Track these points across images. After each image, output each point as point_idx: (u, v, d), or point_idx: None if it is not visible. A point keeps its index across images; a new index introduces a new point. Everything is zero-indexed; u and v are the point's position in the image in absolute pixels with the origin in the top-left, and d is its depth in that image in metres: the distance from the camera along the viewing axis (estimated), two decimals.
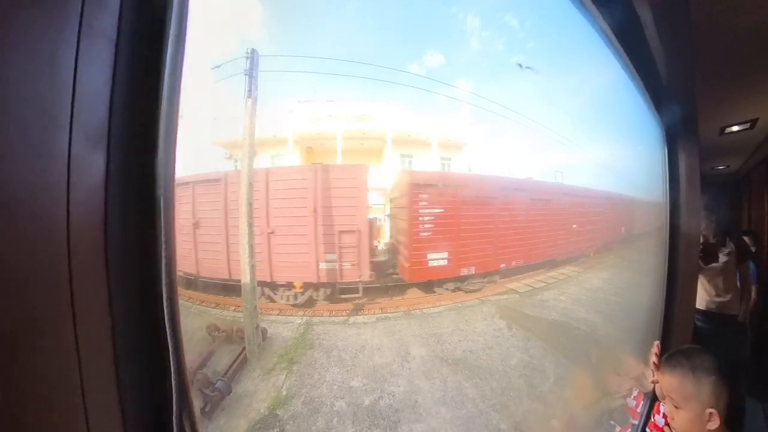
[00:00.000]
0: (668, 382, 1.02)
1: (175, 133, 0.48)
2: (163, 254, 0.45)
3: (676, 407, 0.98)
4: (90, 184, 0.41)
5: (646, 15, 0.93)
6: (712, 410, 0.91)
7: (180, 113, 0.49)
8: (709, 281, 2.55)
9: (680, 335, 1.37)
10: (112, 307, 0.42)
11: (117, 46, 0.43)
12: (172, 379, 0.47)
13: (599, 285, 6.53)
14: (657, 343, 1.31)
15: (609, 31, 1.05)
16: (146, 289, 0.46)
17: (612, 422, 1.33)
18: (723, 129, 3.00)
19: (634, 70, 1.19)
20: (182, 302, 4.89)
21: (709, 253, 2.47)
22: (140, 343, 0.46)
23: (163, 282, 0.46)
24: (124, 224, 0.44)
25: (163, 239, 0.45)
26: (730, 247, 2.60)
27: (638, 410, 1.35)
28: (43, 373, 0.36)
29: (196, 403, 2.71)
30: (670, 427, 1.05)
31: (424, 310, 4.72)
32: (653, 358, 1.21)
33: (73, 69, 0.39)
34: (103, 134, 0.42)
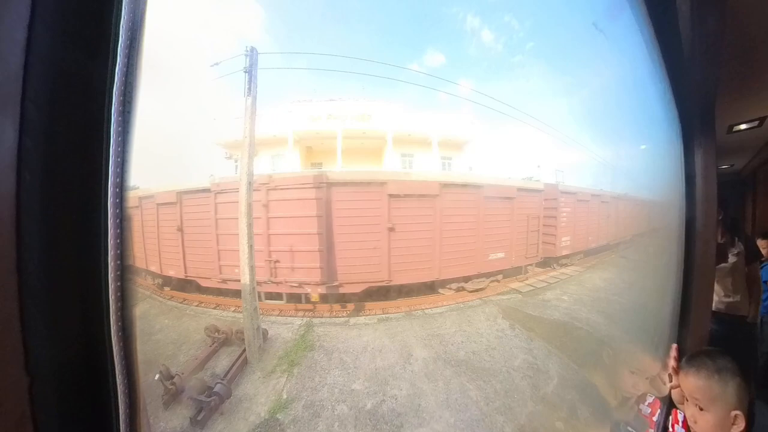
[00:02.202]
0: (693, 383, 0.99)
1: (131, 103, 0.35)
2: (111, 258, 0.34)
3: (701, 409, 0.95)
4: None
5: (684, 5, 0.87)
6: (737, 412, 0.89)
7: (140, 72, 0.36)
8: (717, 281, 2.51)
9: (697, 338, 1.32)
10: (28, 353, 0.28)
11: None
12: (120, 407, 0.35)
13: (602, 285, 6.50)
14: (675, 346, 1.27)
15: (645, 18, 0.99)
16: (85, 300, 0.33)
17: (630, 429, 1.29)
18: (731, 127, 2.97)
19: (660, 59, 1.14)
20: (176, 303, 4.87)
21: (718, 253, 2.43)
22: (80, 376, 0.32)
23: (110, 294, 0.34)
24: (47, 221, 0.30)
25: (110, 240, 0.33)
26: (739, 247, 2.56)
27: (654, 419, 1.29)
28: None
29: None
30: None
31: (426, 311, 4.67)
32: (672, 362, 1.18)
33: None
34: (14, 89, 0.27)
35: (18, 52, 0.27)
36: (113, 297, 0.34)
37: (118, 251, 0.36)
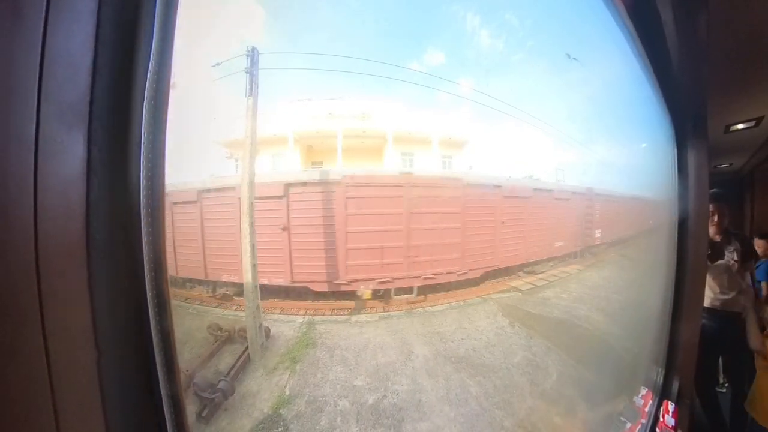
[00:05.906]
0: None
1: (166, 108, 0.40)
2: (150, 257, 0.39)
3: None
4: (66, 173, 0.32)
5: (666, 11, 0.91)
6: None
7: (172, 82, 0.41)
8: (713, 279, 2.56)
9: (689, 330, 1.36)
10: (97, 332, 0.34)
11: None
12: (164, 399, 0.42)
13: (601, 283, 6.55)
14: None
15: (630, 26, 1.04)
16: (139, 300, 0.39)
17: (623, 419, 1.33)
18: (728, 127, 2.99)
19: (648, 65, 1.18)
20: (179, 302, 4.89)
21: (714, 251, 2.48)
22: (129, 367, 0.39)
23: (148, 287, 0.39)
24: (108, 224, 0.35)
25: (150, 238, 0.39)
26: (735, 245, 2.60)
27: (646, 410, 1.34)
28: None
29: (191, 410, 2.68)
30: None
31: (427, 309, 4.72)
32: None
33: (42, 22, 0.30)
34: (82, 111, 0.32)
35: (86, 75, 0.32)
36: (150, 288, 0.40)
37: (152, 247, 0.40)
